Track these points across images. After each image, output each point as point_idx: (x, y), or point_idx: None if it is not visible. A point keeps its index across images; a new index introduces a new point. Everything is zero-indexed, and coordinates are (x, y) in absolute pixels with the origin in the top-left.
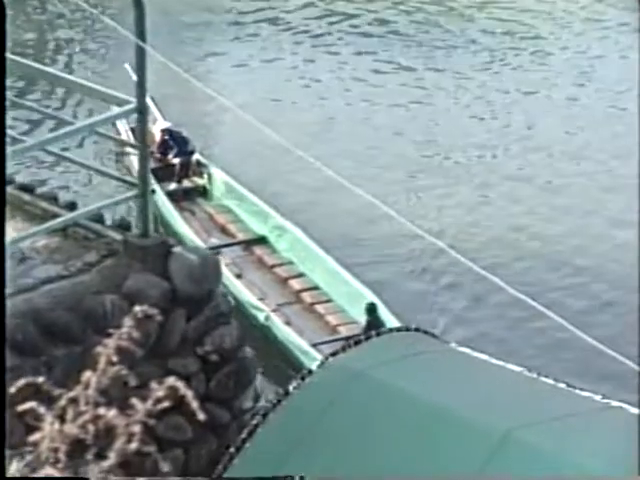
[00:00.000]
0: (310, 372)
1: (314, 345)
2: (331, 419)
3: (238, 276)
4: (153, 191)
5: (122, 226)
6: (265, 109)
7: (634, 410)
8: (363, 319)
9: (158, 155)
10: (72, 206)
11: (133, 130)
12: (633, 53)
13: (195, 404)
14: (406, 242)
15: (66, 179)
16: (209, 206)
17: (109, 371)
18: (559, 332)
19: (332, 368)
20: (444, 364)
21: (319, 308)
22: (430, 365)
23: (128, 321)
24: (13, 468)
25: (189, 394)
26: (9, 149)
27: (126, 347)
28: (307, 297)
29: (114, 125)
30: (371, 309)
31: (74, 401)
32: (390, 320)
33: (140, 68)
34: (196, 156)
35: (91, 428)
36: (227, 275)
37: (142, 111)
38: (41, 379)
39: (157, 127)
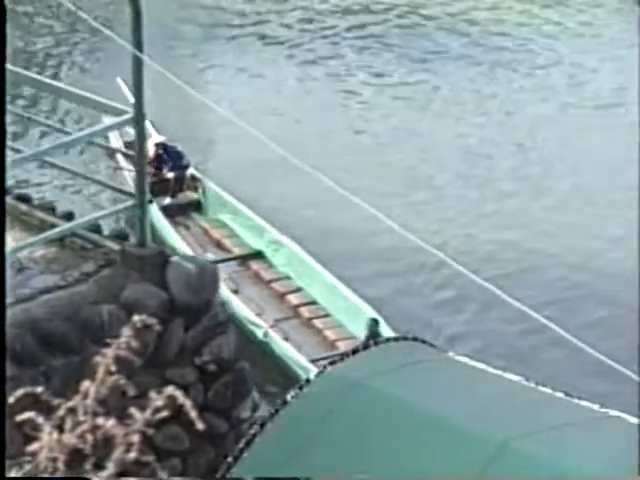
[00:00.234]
0: (308, 381)
1: (313, 361)
2: (329, 428)
3: (235, 292)
4: (151, 201)
5: (119, 236)
6: (261, 121)
7: (632, 419)
8: (362, 334)
9: (152, 170)
10: (69, 216)
11: (127, 144)
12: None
13: (193, 414)
14: (407, 255)
15: (59, 189)
16: (204, 221)
17: (107, 381)
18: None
19: (330, 377)
20: (442, 373)
21: (317, 323)
22: (428, 374)
23: (126, 331)
24: None
25: (187, 404)
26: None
27: (124, 357)
28: (305, 312)
29: (106, 138)
30: (372, 325)
31: (72, 411)
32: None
33: (137, 78)
34: (190, 170)
35: (90, 438)
36: (224, 291)
37: (139, 120)
38: (39, 389)
39: (151, 141)
